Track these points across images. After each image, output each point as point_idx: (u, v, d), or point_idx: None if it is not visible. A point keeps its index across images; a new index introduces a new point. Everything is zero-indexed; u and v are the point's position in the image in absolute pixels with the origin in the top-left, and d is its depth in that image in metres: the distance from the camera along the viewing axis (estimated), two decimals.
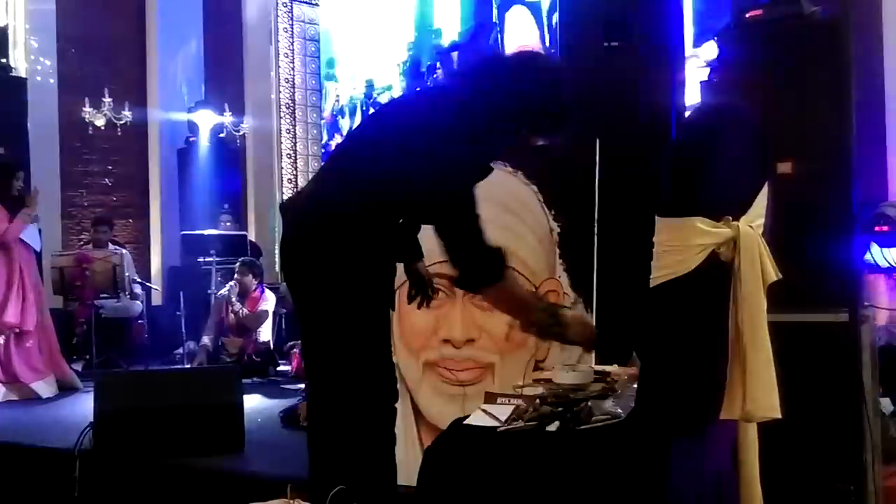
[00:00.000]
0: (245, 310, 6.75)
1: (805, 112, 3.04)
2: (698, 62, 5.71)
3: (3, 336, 5.67)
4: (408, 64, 9.33)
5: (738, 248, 1.78)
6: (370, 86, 9.64)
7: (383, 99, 9.25)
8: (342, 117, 9.87)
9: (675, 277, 1.73)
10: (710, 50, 4.52)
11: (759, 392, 1.77)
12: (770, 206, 2.00)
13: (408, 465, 3.29)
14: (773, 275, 1.86)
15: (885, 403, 3.77)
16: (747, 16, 3.23)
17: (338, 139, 9.57)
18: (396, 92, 9.17)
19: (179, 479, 3.80)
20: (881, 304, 4.33)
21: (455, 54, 8.50)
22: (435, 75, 8.75)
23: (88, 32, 8.60)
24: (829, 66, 2.99)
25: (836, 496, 2.87)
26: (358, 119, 9.60)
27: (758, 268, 1.80)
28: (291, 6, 9.73)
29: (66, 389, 5.89)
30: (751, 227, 1.83)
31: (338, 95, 9.95)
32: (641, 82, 3.68)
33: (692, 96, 3.99)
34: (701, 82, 5.13)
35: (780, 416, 1.83)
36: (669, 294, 1.75)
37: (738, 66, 3.23)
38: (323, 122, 9.98)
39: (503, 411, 2.01)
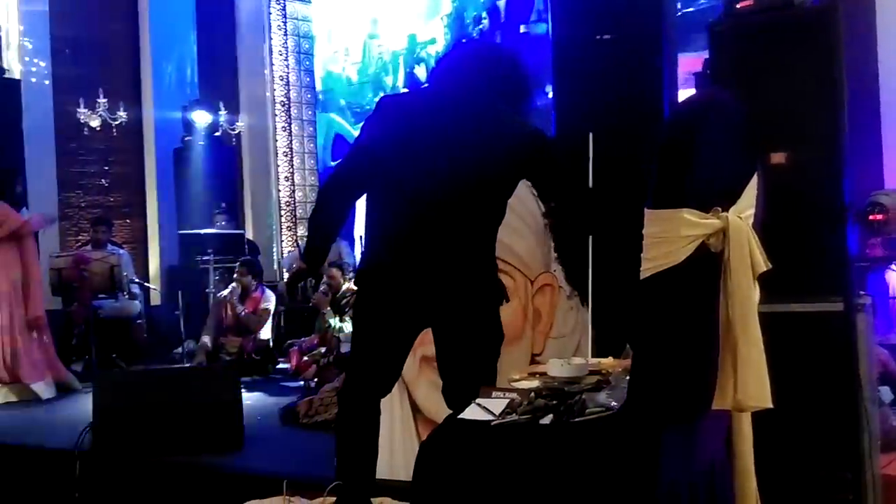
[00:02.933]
0: (246, 310, 6.75)
1: (797, 102, 3.04)
2: None
3: (8, 332, 5.69)
4: (452, 16, 9.30)
5: (727, 238, 1.78)
6: (413, 40, 9.62)
7: (427, 53, 9.19)
8: (386, 74, 9.87)
9: (665, 269, 1.73)
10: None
11: (750, 382, 1.78)
12: (763, 196, 2.01)
13: (405, 459, 3.31)
14: (763, 265, 1.86)
15: (885, 392, 3.78)
16: (738, 6, 3.24)
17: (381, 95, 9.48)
18: (440, 45, 9.13)
19: (179, 478, 3.82)
20: None
21: (503, 3, 8.45)
22: (480, 26, 8.70)
23: (82, 33, 8.58)
24: (821, 55, 2.99)
25: (835, 484, 2.88)
26: (401, 75, 9.59)
27: (747, 258, 1.80)
28: (284, 4, 9.72)
29: (63, 390, 5.91)
30: (740, 217, 1.83)
31: (381, 53, 9.91)
32: (633, 75, 3.69)
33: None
34: (694, 74, 5.12)
35: (771, 405, 1.84)
36: (660, 285, 1.75)
37: (730, 56, 3.23)
38: (366, 79, 9.99)
39: (498, 405, 2.01)
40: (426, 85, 2.87)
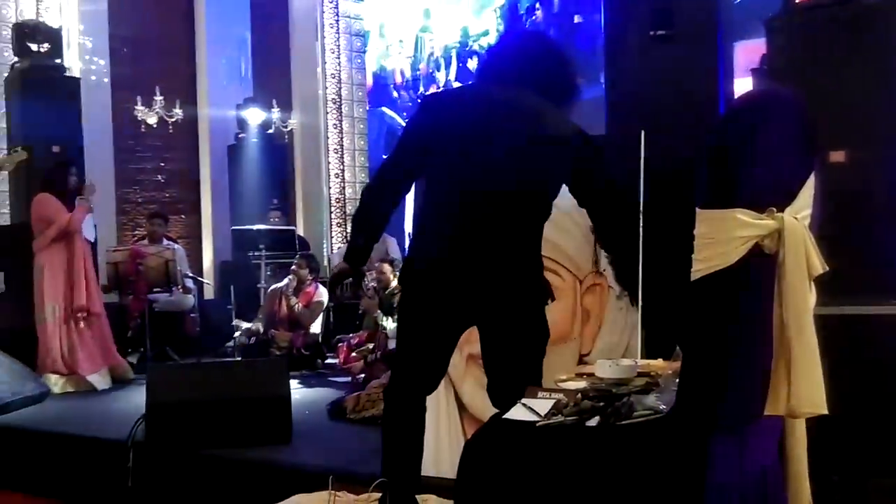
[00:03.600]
0: (300, 304, 6.81)
1: (857, 99, 2.96)
2: None
3: (66, 325, 5.82)
4: (505, 7, 9.27)
5: (782, 240, 1.73)
6: (465, 33, 9.62)
7: (479, 45, 9.19)
8: (438, 70, 9.90)
9: (718, 270, 1.69)
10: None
11: (803, 387, 1.72)
12: (820, 195, 1.96)
13: (451, 457, 3.31)
14: (820, 267, 1.81)
15: None
16: (797, 1, 3.16)
17: (433, 90, 9.64)
18: (493, 37, 9.10)
19: (228, 470, 3.86)
20: None
21: None
22: (534, 17, 8.66)
23: (139, 32, 8.77)
24: (883, 51, 2.91)
25: (891, 492, 2.80)
26: (454, 68, 9.61)
27: (803, 260, 1.75)
28: (337, 2, 9.79)
29: (119, 382, 6.04)
30: (796, 218, 1.78)
31: (433, 47, 9.94)
32: (688, 72, 3.62)
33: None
34: (751, 70, 5.02)
35: (825, 412, 1.78)
36: (711, 287, 1.71)
37: (787, 52, 3.16)
38: (419, 72, 10.03)
39: (543, 406, 1.99)
40: (472, 80, 2.82)
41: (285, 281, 6.98)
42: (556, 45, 2.72)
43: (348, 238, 9.50)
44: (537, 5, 8.81)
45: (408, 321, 2.65)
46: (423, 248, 2.59)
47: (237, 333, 6.86)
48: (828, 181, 2.07)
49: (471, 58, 9.46)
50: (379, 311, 5.95)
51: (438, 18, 9.87)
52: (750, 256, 1.71)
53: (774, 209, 1.75)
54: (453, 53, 9.75)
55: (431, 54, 9.96)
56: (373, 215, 2.67)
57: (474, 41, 9.47)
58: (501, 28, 9.16)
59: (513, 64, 2.57)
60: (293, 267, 6.95)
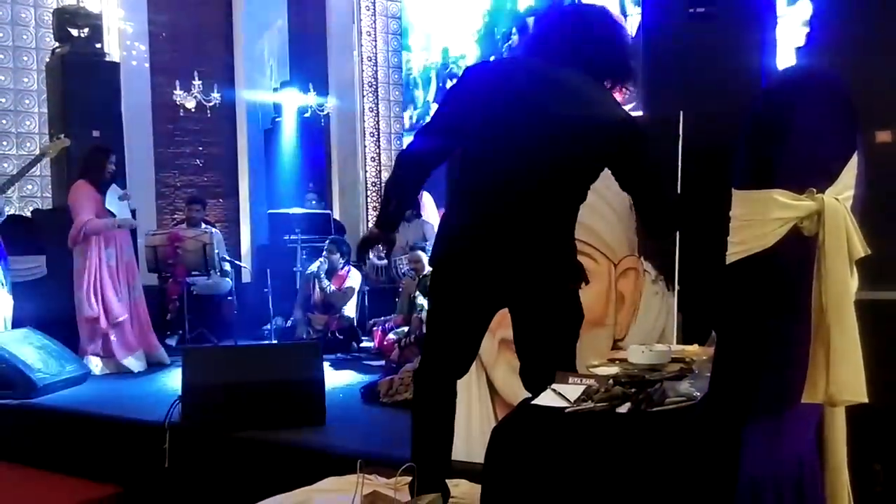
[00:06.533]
0: (332, 286, 6.87)
1: None
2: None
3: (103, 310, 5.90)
4: (482, 31, 9.24)
5: (822, 222, 1.67)
6: (445, 54, 9.60)
7: (458, 67, 9.19)
8: (416, 88, 9.87)
9: (754, 253, 1.63)
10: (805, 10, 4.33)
11: (843, 374, 1.66)
12: (865, 176, 1.88)
13: (483, 442, 3.28)
14: (861, 250, 1.73)
15: None
16: None
17: (411, 112, 9.65)
18: (471, 60, 9.09)
19: (262, 452, 3.89)
20: None
21: (531, 20, 8.38)
22: (510, 42, 8.63)
23: (178, 17, 8.81)
24: None
25: None
26: (433, 88, 9.59)
27: (843, 243, 1.68)
28: None
29: (154, 364, 6.11)
30: (837, 199, 1.71)
31: (409, 67, 9.90)
32: (727, 50, 3.53)
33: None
34: (796, 48, 4.89)
35: (866, 400, 1.72)
36: (748, 270, 1.65)
37: (833, 25, 3.05)
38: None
39: (573, 391, 1.95)
40: (520, 50, 2.74)
41: (316, 264, 7.04)
42: (614, 24, 2.59)
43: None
44: (514, 30, 8.70)
45: (438, 302, 2.62)
46: (455, 227, 2.55)
47: (278, 324, 6.96)
48: (873, 162, 1.99)
49: (451, 79, 9.33)
50: (418, 293, 5.94)
51: (417, 38, 9.77)
52: (788, 239, 1.65)
53: (814, 190, 1.68)
54: (433, 73, 9.66)
55: (409, 73, 9.88)
56: (404, 181, 2.63)
57: (454, 63, 9.37)
58: (479, 52, 9.11)
59: (563, 38, 2.47)
60: (324, 252, 7.01)
